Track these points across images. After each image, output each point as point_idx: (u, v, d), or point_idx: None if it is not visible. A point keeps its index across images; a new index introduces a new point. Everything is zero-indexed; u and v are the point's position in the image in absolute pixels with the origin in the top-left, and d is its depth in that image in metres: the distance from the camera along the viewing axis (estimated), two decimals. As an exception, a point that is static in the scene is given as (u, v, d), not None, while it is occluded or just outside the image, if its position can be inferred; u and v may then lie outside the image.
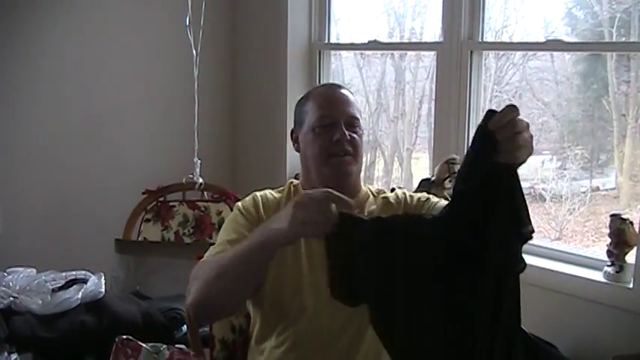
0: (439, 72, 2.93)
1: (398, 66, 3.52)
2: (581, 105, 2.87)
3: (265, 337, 1.77)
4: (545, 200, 2.92)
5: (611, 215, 2.38)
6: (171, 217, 2.88)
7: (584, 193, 2.84)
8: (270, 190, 1.86)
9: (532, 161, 3.08)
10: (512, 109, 1.29)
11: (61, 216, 3.23)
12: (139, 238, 2.82)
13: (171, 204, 2.90)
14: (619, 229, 2.32)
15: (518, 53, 3.00)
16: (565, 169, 2.90)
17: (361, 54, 3.58)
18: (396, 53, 3.46)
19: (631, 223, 2.32)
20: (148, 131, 3.48)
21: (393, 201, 1.82)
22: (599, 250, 2.55)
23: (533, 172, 2.99)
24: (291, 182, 1.89)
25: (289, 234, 1.42)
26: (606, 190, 2.85)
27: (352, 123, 1.79)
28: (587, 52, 2.76)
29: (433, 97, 3.23)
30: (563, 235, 2.87)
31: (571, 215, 2.86)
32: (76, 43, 3.21)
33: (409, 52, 3.42)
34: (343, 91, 1.86)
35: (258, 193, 1.84)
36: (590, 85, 2.85)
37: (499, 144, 1.29)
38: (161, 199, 2.89)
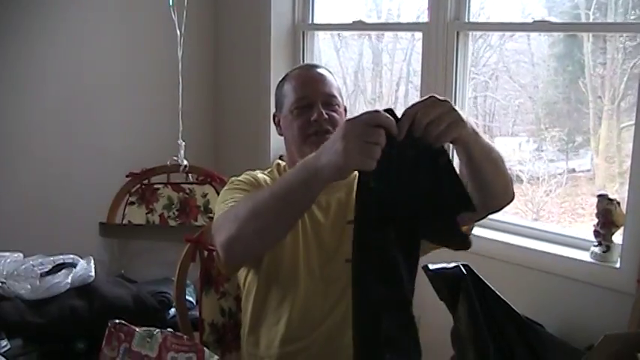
0: (425, 53, 2.93)
1: (375, 48, 3.53)
2: (558, 87, 2.90)
3: (261, 314, 1.78)
4: (522, 182, 2.95)
5: (599, 195, 2.40)
6: (156, 199, 2.87)
7: (560, 174, 2.88)
8: (260, 171, 1.87)
9: (509, 143, 3.15)
10: (408, 112, 1.26)
11: (45, 199, 3.21)
12: (124, 222, 2.81)
13: (155, 187, 2.88)
14: (606, 209, 2.35)
15: (496, 35, 3.02)
16: (542, 151, 2.93)
17: (338, 35, 3.58)
18: (374, 35, 3.46)
19: (618, 203, 2.35)
20: (131, 113, 3.47)
21: None
22: (576, 231, 2.62)
23: (511, 154, 3.03)
24: (278, 163, 1.90)
25: (344, 166, 1.25)
26: (582, 171, 2.89)
27: (330, 102, 1.78)
28: (571, 32, 2.76)
29: (411, 79, 3.25)
30: (541, 216, 2.91)
31: (548, 196, 2.90)
32: (57, 24, 3.18)
33: (386, 34, 3.42)
34: (320, 70, 1.86)
35: (250, 172, 1.84)
36: (566, 67, 2.88)
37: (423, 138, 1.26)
38: (145, 181, 2.87)
